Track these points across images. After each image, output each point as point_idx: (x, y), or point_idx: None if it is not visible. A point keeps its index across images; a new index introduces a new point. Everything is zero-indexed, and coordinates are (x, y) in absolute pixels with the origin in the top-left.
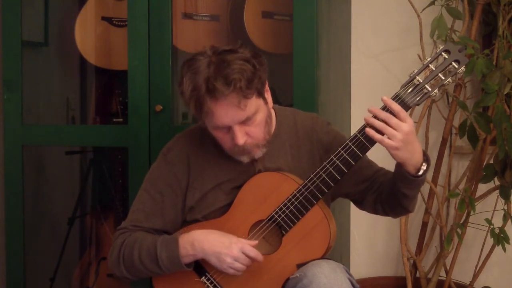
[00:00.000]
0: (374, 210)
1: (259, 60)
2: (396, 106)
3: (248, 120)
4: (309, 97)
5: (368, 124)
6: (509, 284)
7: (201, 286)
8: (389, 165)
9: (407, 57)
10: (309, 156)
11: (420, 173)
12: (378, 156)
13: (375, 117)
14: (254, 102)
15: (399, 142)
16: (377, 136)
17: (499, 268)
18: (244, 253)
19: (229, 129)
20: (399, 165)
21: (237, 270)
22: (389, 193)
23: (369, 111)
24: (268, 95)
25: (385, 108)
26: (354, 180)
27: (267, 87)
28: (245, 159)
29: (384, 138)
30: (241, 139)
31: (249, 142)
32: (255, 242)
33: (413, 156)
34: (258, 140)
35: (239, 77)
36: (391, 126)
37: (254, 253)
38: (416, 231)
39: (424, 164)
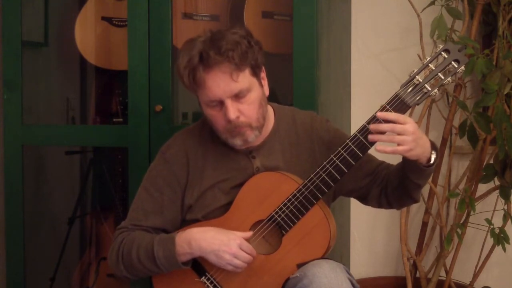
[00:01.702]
0: (379, 204)
1: (256, 41)
2: (391, 115)
3: (241, 96)
4: (309, 97)
5: (375, 141)
6: (509, 284)
7: (201, 286)
8: (390, 160)
9: (407, 57)
10: (309, 154)
11: (432, 161)
12: (378, 153)
13: (380, 132)
14: (247, 78)
15: (411, 143)
16: (388, 149)
17: (499, 268)
18: (242, 250)
19: (221, 106)
20: (412, 160)
21: (237, 267)
22: (398, 186)
23: (372, 129)
24: (264, 83)
25: (385, 108)
26: (357, 176)
27: (264, 75)
28: (238, 142)
29: (397, 148)
30: (232, 114)
31: (241, 119)
32: (250, 233)
33: (425, 149)
34: (250, 119)
35: (232, 47)
36: (397, 133)
37: (251, 250)
38: (416, 231)
39: (433, 152)
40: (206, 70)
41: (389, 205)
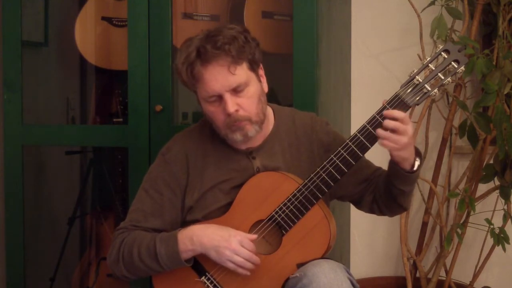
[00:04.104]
0: (371, 210)
1: (252, 37)
2: (399, 113)
3: (239, 90)
4: (309, 97)
5: (381, 136)
6: (509, 284)
7: (201, 286)
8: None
9: (407, 57)
10: (308, 155)
11: (415, 168)
12: (377, 156)
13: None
14: (245, 71)
15: (403, 145)
16: (386, 143)
17: (499, 268)
18: (243, 247)
19: (220, 101)
20: (395, 164)
21: (237, 264)
22: (385, 192)
23: (384, 126)
24: (263, 80)
25: (385, 108)
26: (354, 180)
27: (262, 72)
28: (238, 137)
29: (389, 143)
30: (231, 107)
31: (240, 113)
32: (255, 236)
33: (410, 154)
34: (250, 113)
35: (229, 41)
36: (400, 133)
37: (251, 248)
38: (416, 231)
39: (417, 159)
40: (203, 64)
41: (380, 212)
